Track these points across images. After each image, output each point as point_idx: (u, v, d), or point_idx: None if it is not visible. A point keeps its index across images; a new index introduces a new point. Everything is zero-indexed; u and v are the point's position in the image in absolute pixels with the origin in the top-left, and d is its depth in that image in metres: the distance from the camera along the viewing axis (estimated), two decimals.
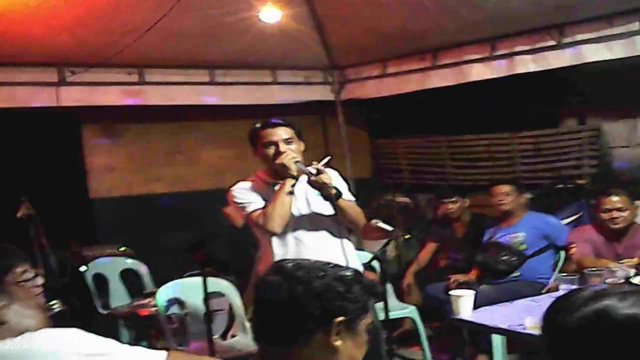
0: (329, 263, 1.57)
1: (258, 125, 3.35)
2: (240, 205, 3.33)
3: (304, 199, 3.33)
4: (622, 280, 3.36)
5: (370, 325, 1.57)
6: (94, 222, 6.26)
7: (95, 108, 5.68)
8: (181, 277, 4.67)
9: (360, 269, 3.29)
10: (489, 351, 4.12)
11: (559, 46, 5.07)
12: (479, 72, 5.59)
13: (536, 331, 2.97)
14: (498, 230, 4.84)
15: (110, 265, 5.41)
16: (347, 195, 3.35)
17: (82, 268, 5.20)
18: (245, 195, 3.33)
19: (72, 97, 5.44)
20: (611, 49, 4.78)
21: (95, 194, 6.36)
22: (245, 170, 6.70)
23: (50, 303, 3.66)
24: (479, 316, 3.35)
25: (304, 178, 3.23)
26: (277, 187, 3.24)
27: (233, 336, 4.42)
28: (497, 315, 3.33)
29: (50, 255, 4.93)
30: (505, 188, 4.84)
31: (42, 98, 5.34)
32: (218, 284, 4.45)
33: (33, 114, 5.43)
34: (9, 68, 5.17)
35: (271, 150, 3.26)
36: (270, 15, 5.10)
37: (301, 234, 3.30)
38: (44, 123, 5.64)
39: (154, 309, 4.50)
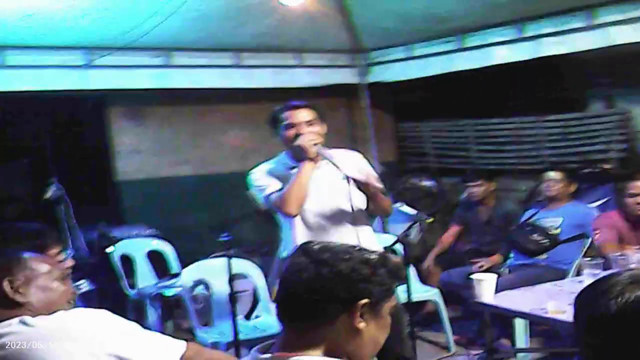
0: (355, 246, 1.57)
1: (279, 107, 3.36)
2: (259, 188, 3.36)
3: (325, 182, 3.32)
4: None
5: (393, 309, 1.58)
6: (121, 204, 6.32)
7: (121, 91, 5.70)
8: (206, 258, 4.72)
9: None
10: (511, 335, 4.15)
11: (587, 28, 4.98)
12: (506, 54, 5.51)
13: (558, 315, 3.02)
14: (538, 212, 4.86)
15: (137, 246, 5.49)
16: (377, 183, 3.33)
17: (110, 249, 5.27)
18: (264, 178, 3.35)
19: (99, 80, 5.46)
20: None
21: (122, 176, 6.40)
22: (270, 153, 6.73)
23: (78, 283, 3.74)
24: (501, 300, 3.35)
25: (326, 162, 3.23)
26: (294, 170, 3.25)
27: (257, 317, 4.47)
28: (519, 299, 3.33)
29: (79, 236, 5.00)
30: (556, 175, 4.85)
31: (69, 81, 5.36)
32: (242, 265, 4.51)
33: (60, 97, 5.48)
34: (37, 51, 5.19)
35: (292, 132, 3.26)
36: None
37: (318, 218, 3.31)
38: (72, 106, 5.70)
39: (179, 289, 4.56)
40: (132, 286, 5.29)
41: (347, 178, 3.26)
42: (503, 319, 4.10)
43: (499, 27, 5.53)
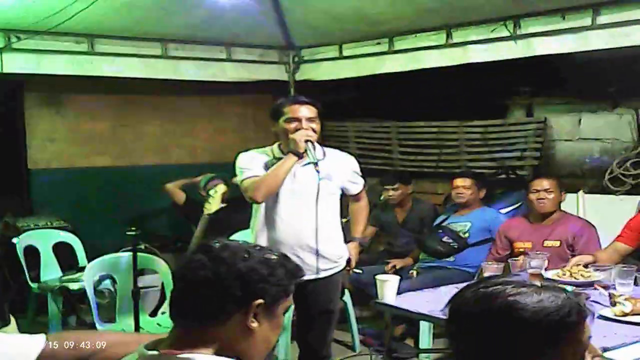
0: (257, 245, 1.57)
1: (284, 101, 3.49)
2: (240, 169, 3.45)
3: (301, 179, 3.42)
4: (540, 270, 3.48)
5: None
6: (31, 194, 6.13)
7: (40, 76, 5.51)
8: (116, 252, 4.60)
9: (340, 258, 3.55)
10: (415, 335, 4.21)
11: (512, 37, 5.06)
12: (434, 59, 5.56)
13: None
14: (449, 217, 5.00)
15: (43, 238, 5.32)
16: (357, 189, 3.68)
17: (14, 239, 5.08)
18: (249, 162, 3.45)
19: (17, 64, 5.26)
20: (563, 43, 4.78)
21: (35, 164, 6.22)
22: (192, 146, 6.62)
23: None
24: (403, 301, 3.38)
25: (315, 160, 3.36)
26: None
27: (163, 313, 4.38)
28: (420, 300, 3.38)
29: None
30: (466, 181, 4.96)
31: None
32: (152, 260, 4.41)
33: None
34: None
35: (293, 126, 3.37)
36: None
37: (284, 213, 3.43)
38: None
39: (84, 283, 4.42)
40: (36, 279, 5.11)
41: (321, 179, 3.40)
42: (410, 319, 4.16)
43: (428, 32, 5.56)
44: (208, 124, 7.00)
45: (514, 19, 5.00)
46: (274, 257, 1.54)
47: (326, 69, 6.41)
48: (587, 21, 4.64)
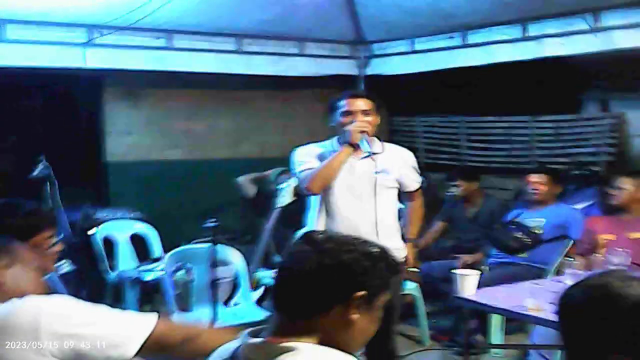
0: (358, 238, 1.58)
1: (340, 95, 3.50)
2: (297, 163, 3.49)
3: (358, 172, 3.43)
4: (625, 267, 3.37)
5: (388, 303, 1.59)
6: (108, 186, 6.30)
7: (119, 71, 5.67)
8: (189, 243, 4.69)
9: (399, 250, 3.44)
10: (485, 331, 4.15)
11: (590, 30, 4.93)
12: (508, 53, 5.46)
13: (537, 313, 3.01)
14: (523, 212, 4.88)
15: (120, 229, 5.45)
16: (414, 185, 3.62)
17: (92, 230, 5.23)
18: (306, 155, 3.49)
19: (98, 59, 5.41)
20: None
21: (111, 157, 6.38)
22: (263, 141, 6.67)
23: (59, 263, 3.70)
24: (481, 296, 3.36)
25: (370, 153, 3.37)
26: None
27: (236, 304, 4.45)
28: (499, 296, 3.37)
29: (62, 216, 4.96)
30: (542, 177, 4.86)
31: (68, 59, 5.32)
32: (226, 251, 4.49)
33: (57, 75, 5.44)
34: (37, 26, 5.14)
35: (348, 119, 3.38)
36: None
37: (342, 206, 3.43)
38: (68, 84, 5.66)
39: (159, 273, 4.53)
40: (113, 269, 5.25)
41: (378, 173, 3.41)
42: (479, 315, 4.13)
43: (503, 26, 5.47)
44: (278, 118, 7.07)
45: (593, 11, 4.88)
46: (376, 250, 1.55)
47: (397, 64, 6.38)
48: None
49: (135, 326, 1.84)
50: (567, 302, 1.42)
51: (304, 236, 1.58)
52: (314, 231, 1.60)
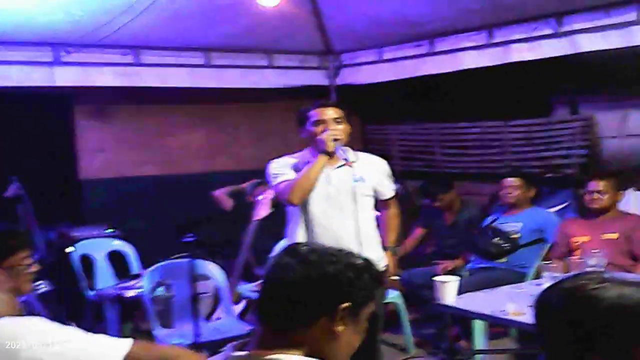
0: (342, 250, 1.58)
1: (309, 105, 3.50)
2: (272, 176, 3.49)
3: (335, 180, 3.43)
4: (602, 269, 3.41)
5: (371, 313, 1.59)
6: (83, 204, 6.23)
7: (88, 88, 5.62)
8: (169, 259, 4.67)
9: (380, 260, 3.46)
10: (469, 337, 4.18)
11: (555, 35, 5.02)
12: (475, 59, 5.54)
13: (518, 317, 3.06)
14: (499, 217, 4.96)
15: (97, 247, 5.43)
16: (389, 193, 3.64)
17: (69, 249, 5.19)
18: (281, 167, 3.48)
19: (66, 77, 5.39)
20: (607, 39, 4.72)
21: (85, 175, 6.33)
22: (238, 153, 6.67)
23: (36, 283, 3.66)
24: (462, 302, 3.39)
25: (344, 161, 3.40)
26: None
27: (218, 319, 4.43)
28: (479, 301, 3.39)
29: (38, 236, 4.91)
30: (516, 181, 4.92)
31: (36, 78, 5.29)
32: (205, 266, 4.48)
33: (26, 94, 5.39)
34: (3, 47, 5.12)
35: (320, 129, 3.39)
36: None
37: (322, 215, 3.43)
38: (36, 103, 5.61)
39: (139, 290, 4.50)
40: (92, 287, 5.22)
41: (357, 180, 3.41)
42: (462, 321, 4.15)
43: (468, 33, 5.55)
44: (252, 131, 7.07)
45: (557, 16, 4.97)
46: (359, 261, 1.55)
47: (366, 73, 6.42)
48: (632, 16, 4.59)
49: (111, 347, 1.85)
50: (544, 304, 1.41)
51: (288, 248, 1.58)
52: (298, 243, 1.60)
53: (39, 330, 1.81)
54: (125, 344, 1.86)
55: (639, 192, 5.13)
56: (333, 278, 1.49)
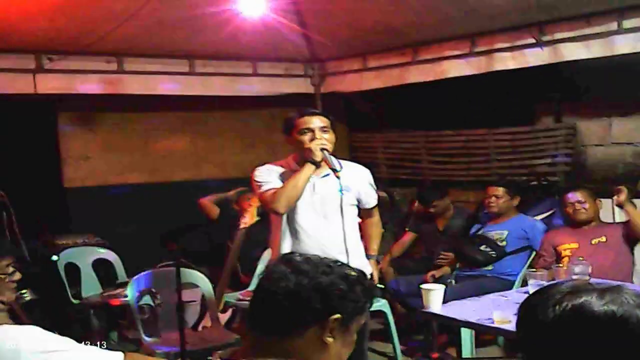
0: (337, 261, 1.60)
1: (295, 114, 3.48)
2: (257, 184, 3.46)
3: (321, 189, 3.42)
4: (587, 276, 3.44)
5: (362, 325, 1.60)
6: (68, 211, 6.20)
7: (72, 96, 5.62)
8: (155, 267, 4.65)
9: (366, 270, 3.39)
10: (457, 344, 4.20)
11: (538, 44, 5.07)
12: (458, 68, 5.59)
13: (504, 325, 3.07)
14: (485, 226, 5.00)
15: (82, 255, 5.39)
16: (373, 201, 3.61)
17: (54, 257, 5.15)
18: (266, 175, 3.46)
19: (50, 84, 5.38)
20: (589, 48, 4.79)
21: (70, 182, 6.31)
22: (223, 161, 6.66)
23: (21, 292, 3.63)
24: (448, 310, 3.40)
25: (331, 172, 3.36)
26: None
27: (204, 327, 4.42)
28: (466, 309, 3.39)
29: (22, 244, 4.87)
30: (498, 190, 4.95)
31: (19, 85, 5.28)
32: (191, 274, 4.46)
33: (9, 102, 5.36)
34: None
35: (307, 137, 3.37)
36: (254, 8, 5.05)
37: (308, 224, 3.41)
38: (20, 110, 5.58)
39: (125, 299, 4.48)
40: (77, 296, 5.17)
41: (343, 190, 3.39)
42: (451, 328, 4.16)
43: (452, 41, 5.59)
44: (237, 138, 7.08)
45: (539, 25, 5.03)
46: (353, 273, 1.56)
47: (351, 81, 6.46)
48: (614, 25, 4.66)
49: (105, 357, 1.86)
50: (533, 317, 1.36)
51: (282, 257, 1.59)
52: (292, 252, 1.62)
53: (39, 338, 1.81)
54: (117, 357, 1.86)
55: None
56: (325, 289, 1.50)
